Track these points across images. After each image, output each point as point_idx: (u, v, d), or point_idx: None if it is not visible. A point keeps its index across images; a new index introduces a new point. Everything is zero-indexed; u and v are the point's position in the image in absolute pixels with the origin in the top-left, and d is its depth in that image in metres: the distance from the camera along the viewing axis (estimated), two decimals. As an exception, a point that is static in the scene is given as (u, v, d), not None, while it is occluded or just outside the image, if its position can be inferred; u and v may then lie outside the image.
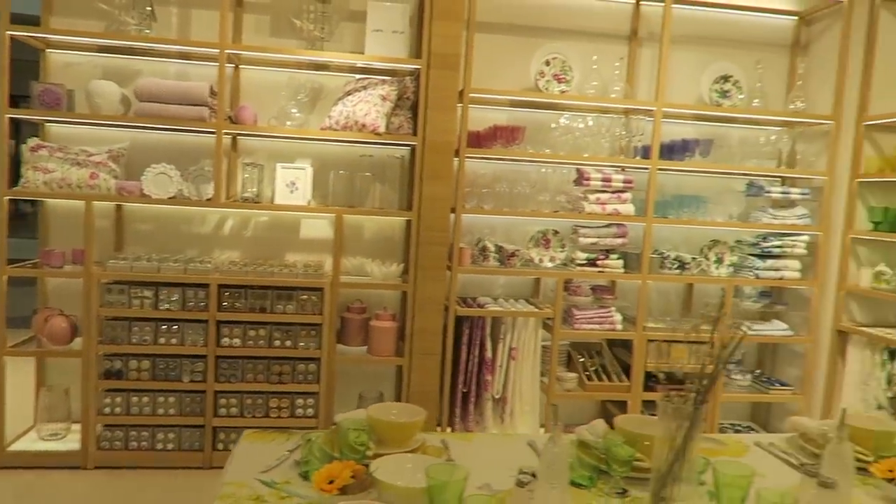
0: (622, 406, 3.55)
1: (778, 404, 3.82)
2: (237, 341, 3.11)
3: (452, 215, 3.28)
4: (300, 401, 3.18)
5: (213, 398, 3.10)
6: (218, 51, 3.01)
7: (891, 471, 1.55)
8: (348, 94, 3.21)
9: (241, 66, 3.35)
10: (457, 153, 3.25)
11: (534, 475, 1.35)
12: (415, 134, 3.18)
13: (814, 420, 1.86)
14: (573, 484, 1.54)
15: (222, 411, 3.12)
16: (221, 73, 3.02)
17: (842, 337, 3.53)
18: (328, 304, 3.15)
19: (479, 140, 3.34)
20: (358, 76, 3.32)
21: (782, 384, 3.70)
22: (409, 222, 3.33)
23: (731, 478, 1.41)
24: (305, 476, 1.44)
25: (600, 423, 1.72)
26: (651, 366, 3.51)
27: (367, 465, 1.39)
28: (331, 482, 1.28)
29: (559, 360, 3.55)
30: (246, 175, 3.24)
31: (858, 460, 1.70)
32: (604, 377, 3.53)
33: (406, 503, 1.29)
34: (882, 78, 3.39)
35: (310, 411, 3.17)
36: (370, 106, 3.11)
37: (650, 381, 3.54)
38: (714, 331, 1.52)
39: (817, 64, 3.69)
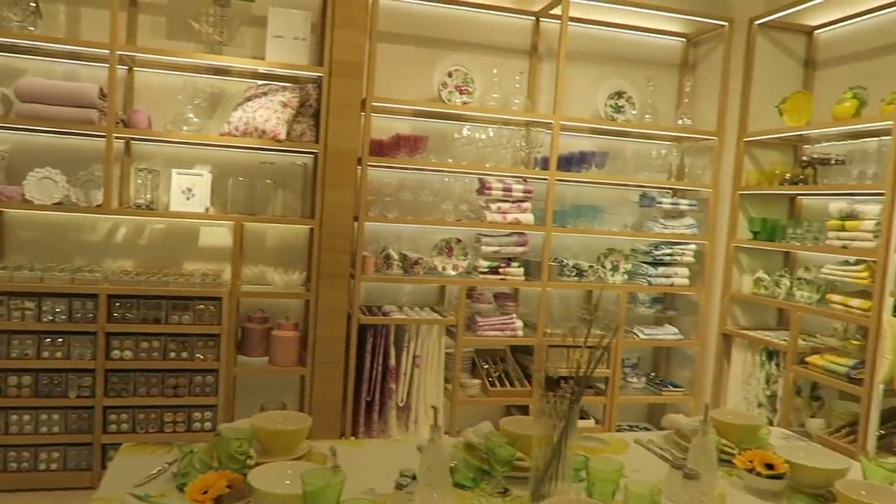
0: (525, 410, 3.63)
1: (671, 404, 4.01)
2: (129, 353, 2.98)
3: (356, 223, 3.28)
4: (197, 414, 3.08)
5: (103, 414, 2.96)
6: (108, 51, 2.90)
7: (751, 461, 1.66)
8: (248, 99, 3.16)
9: (135, 69, 3.24)
10: (360, 161, 3.26)
11: (414, 477, 1.37)
12: (317, 141, 3.17)
13: (688, 417, 1.97)
14: (457, 485, 1.57)
15: (112, 427, 2.99)
16: (112, 74, 2.91)
17: (726, 340, 3.75)
18: (227, 314, 3.08)
19: (382, 149, 3.36)
20: (259, 82, 3.28)
21: (674, 385, 3.89)
22: (311, 230, 3.30)
23: (602, 473, 1.47)
24: (182, 488, 1.41)
25: (486, 425, 1.76)
26: (562, 370, 3.61)
27: (246, 475, 1.37)
28: (205, 492, 1.26)
29: (463, 366, 3.61)
30: (139, 181, 3.13)
31: (725, 453, 1.82)
32: (507, 383, 3.60)
33: (283, 510, 1.28)
34: (759, 97, 3.64)
35: (207, 424, 3.08)
36: (271, 112, 3.07)
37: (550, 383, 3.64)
38: (588, 335, 1.59)
39: (703, 83, 3.93)
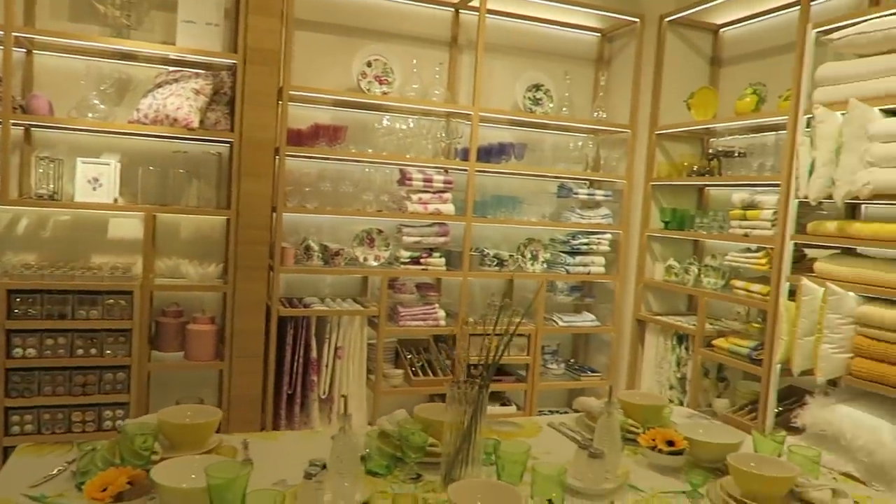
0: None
1: (590, 389, 4.13)
2: (32, 351, 2.84)
3: (274, 214, 3.22)
4: (108, 412, 2.97)
5: (4, 415, 2.81)
6: (3, 33, 2.74)
7: (653, 439, 1.74)
8: (159, 86, 3.05)
9: (34, 52, 3.07)
10: (277, 151, 3.20)
11: (324, 466, 1.37)
12: (232, 130, 3.09)
13: (598, 400, 2.04)
14: (371, 473, 1.58)
15: (15, 429, 2.84)
16: (7, 57, 2.75)
17: (640, 325, 3.90)
18: (138, 308, 2.97)
19: (301, 138, 3.31)
20: (170, 68, 3.17)
21: (592, 371, 4.02)
22: (228, 221, 3.22)
23: (511, 455, 1.51)
24: (81, 487, 1.36)
25: (400, 413, 1.78)
26: (474, 358, 3.66)
27: (149, 471, 1.34)
28: (104, 490, 1.22)
29: (386, 357, 3.61)
30: (41, 170, 2.98)
31: (630, 432, 1.90)
32: (430, 372, 3.63)
33: (188, 505, 1.26)
34: (669, 92, 3.79)
35: (119, 423, 2.97)
36: (182, 100, 2.98)
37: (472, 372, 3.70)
38: (497, 322, 1.62)
39: (617, 78, 4.05)
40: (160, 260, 3.25)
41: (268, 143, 3.12)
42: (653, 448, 1.73)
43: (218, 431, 1.66)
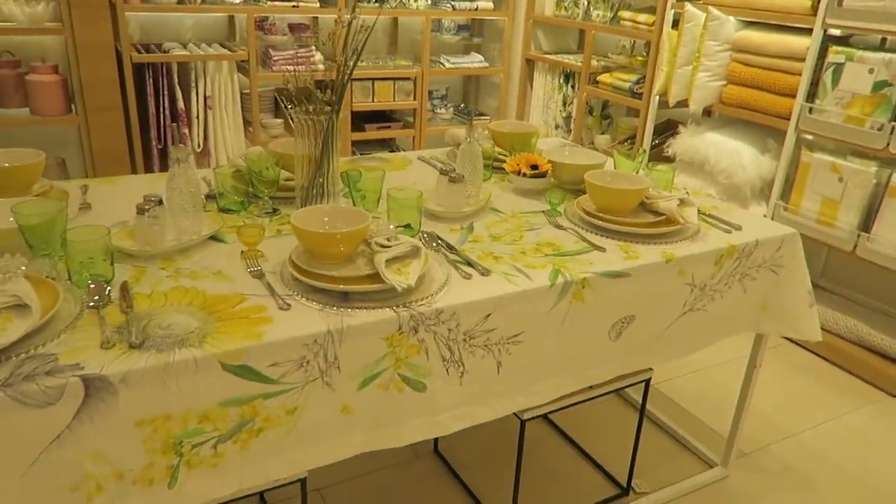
0: (333, 148, 3.58)
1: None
2: None
3: (106, -61, 2.73)
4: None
5: None
6: None
7: (518, 164, 1.73)
8: None
9: None
10: None
11: (160, 202, 1.28)
12: None
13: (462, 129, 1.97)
14: (224, 210, 1.51)
15: None
16: None
17: (529, 65, 3.79)
18: (-41, 57, 2.58)
19: None
20: None
21: (481, 114, 3.96)
22: (50, -52, 2.72)
23: (366, 182, 1.46)
24: None
25: (255, 150, 1.67)
26: (358, 105, 3.51)
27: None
28: None
29: (264, 106, 3.40)
30: None
31: (499, 160, 1.88)
32: (312, 121, 3.47)
33: None
34: None
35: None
36: None
37: (358, 120, 3.57)
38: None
39: None
40: (-24, -1, 2.76)
41: None
42: (517, 172, 1.73)
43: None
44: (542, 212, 1.61)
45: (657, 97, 2.96)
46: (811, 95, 2.42)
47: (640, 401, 1.69)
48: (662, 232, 1.47)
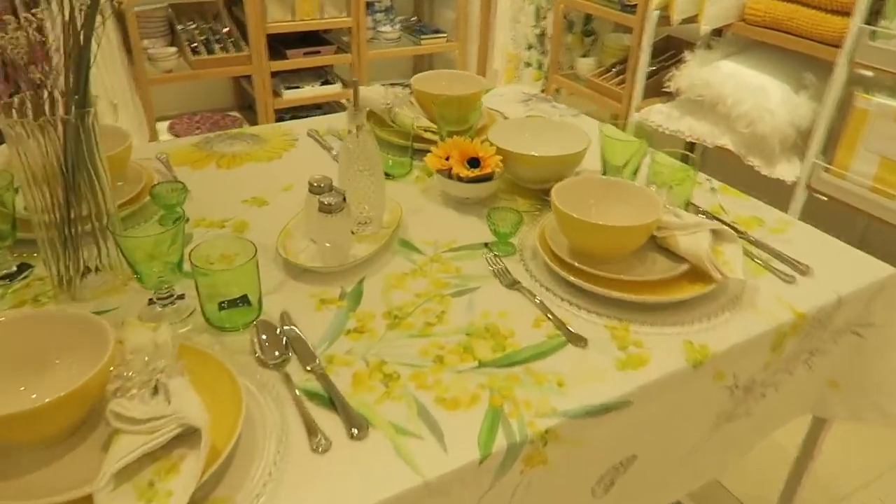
0: (249, 82, 2.86)
1: (437, 55, 3.38)
2: None
3: None
4: None
5: None
6: None
7: (448, 157, 1.08)
8: None
9: None
10: None
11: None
12: None
13: (379, 91, 1.30)
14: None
15: None
16: None
17: (494, -33, 3.01)
18: None
19: None
20: None
21: (437, 32, 3.21)
22: None
23: (137, 240, 0.81)
24: None
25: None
26: (276, 26, 2.75)
27: None
28: None
29: (154, 31, 2.65)
30: None
31: (425, 141, 1.23)
32: (217, 48, 2.73)
33: None
34: None
35: None
36: None
37: (277, 44, 2.82)
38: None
39: None
40: None
41: None
42: (446, 173, 1.07)
43: None
44: (485, 245, 0.98)
45: (656, 13, 2.25)
46: (874, 13, 1.74)
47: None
48: (685, 299, 0.86)
